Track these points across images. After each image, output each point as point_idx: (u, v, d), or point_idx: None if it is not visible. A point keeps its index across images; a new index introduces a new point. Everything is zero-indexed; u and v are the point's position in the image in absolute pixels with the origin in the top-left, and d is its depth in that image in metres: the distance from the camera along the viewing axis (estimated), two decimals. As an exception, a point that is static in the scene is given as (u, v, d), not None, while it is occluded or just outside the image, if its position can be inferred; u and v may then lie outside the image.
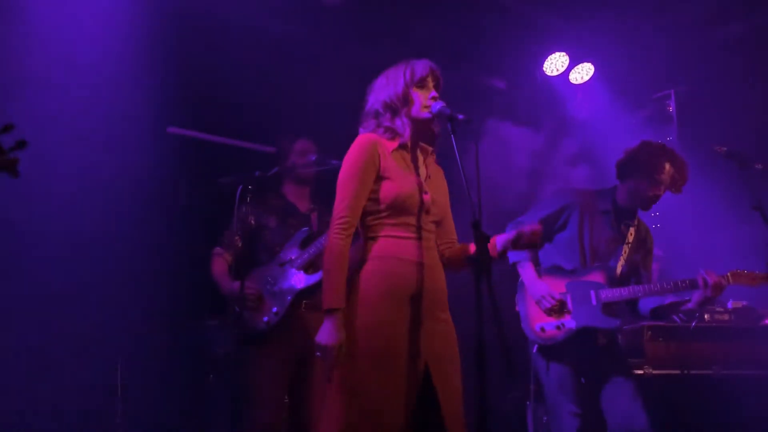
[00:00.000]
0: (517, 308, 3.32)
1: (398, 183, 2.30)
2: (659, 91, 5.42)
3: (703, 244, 3.47)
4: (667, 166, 3.21)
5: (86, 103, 3.91)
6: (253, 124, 4.01)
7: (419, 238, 2.30)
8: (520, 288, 3.31)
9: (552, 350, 3.17)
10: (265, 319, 3.20)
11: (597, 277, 3.23)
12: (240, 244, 3.31)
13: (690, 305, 3.12)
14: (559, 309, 3.16)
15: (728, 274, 3.04)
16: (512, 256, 3.27)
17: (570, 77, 5.38)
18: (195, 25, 4.09)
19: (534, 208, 3.41)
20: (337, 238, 2.26)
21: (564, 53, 5.28)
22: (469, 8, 4.71)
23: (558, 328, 3.15)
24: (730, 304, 4.20)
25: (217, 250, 3.40)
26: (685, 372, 3.76)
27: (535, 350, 3.22)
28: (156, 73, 4.02)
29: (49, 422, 3.70)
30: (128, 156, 4.01)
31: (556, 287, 3.21)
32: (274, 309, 3.21)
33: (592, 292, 3.19)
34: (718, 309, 4.14)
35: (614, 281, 3.22)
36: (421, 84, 2.37)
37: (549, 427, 4.46)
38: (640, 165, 3.25)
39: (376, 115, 2.41)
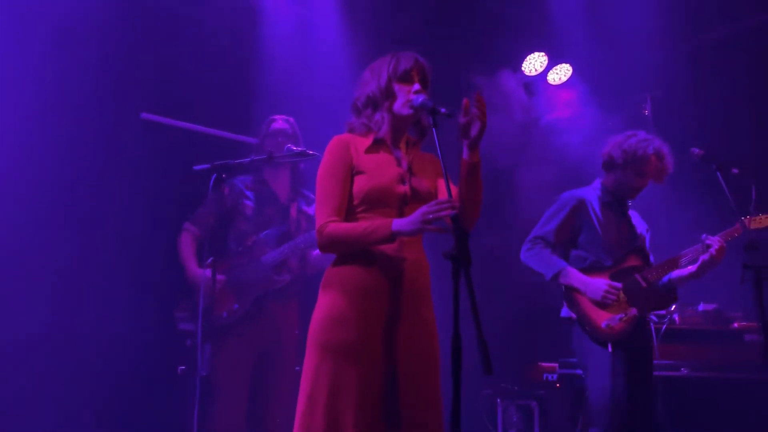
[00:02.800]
0: (569, 315, 3.30)
1: (372, 177, 2.26)
2: (636, 94, 5.47)
3: (675, 246, 3.52)
4: (653, 157, 3.28)
5: (57, 87, 3.80)
6: (232, 113, 3.95)
7: (403, 239, 2.24)
8: (566, 296, 3.28)
9: (621, 343, 3.16)
10: (224, 314, 3.15)
11: (634, 261, 3.30)
12: (212, 223, 3.23)
13: (687, 270, 3.25)
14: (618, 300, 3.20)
15: (744, 219, 3.14)
16: (548, 270, 3.27)
17: (548, 78, 5.40)
18: (173, 12, 4.01)
19: (544, 219, 3.41)
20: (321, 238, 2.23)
21: (543, 53, 5.30)
22: (449, 5, 4.71)
23: (622, 320, 3.17)
24: (701, 307, 4.26)
25: (187, 225, 3.33)
26: (656, 374, 3.79)
27: (610, 349, 3.17)
28: (131, 58, 3.93)
29: (13, 418, 3.59)
30: (100, 141, 3.91)
31: (585, 276, 3.25)
32: (235, 306, 3.16)
33: (638, 276, 3.25)
34: (688, 312, 4.20)
35: (649, 261, 3.33)
36: (404, 77, 2.33)
37: (518, 425, 4.48)
38: (627, 157, 3.30)
39: (358, 110, 2.38)
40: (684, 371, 3.91)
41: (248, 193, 3.32)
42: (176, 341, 3.81)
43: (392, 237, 2.16)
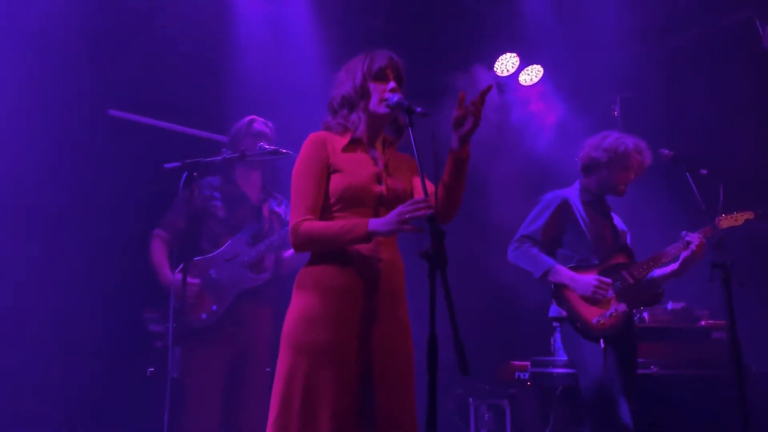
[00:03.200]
0: (558, 314, 3.34)
1: (348, 175, 2.24)
2: (605, 95, 5.53)
3: (644, 246, 3.58)
4: (634, 152, 3.40)
5: (23, 83, 3.71)
6: (202, 111, 3.89)
7: (378, 239, 2.22)
8: (555, 295, 3.31)
9: (612, 338, 3.22)
10: (203, 316, 3.10)
11: (620, 258, 3.39)
12: (182, 226, 3.17)
13: (670, 268, 3.35)
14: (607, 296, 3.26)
15: (716, 220, 3.25)
16: (537, 268, 3.30)
17: (520, 78, 5.44)
18: (143, 8, 3.94)
19: (529, 219, 3.45)
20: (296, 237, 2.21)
21: (515, 54, 5.34)
22: (423, 5, 4.71)
23: (612, 315, 3.23)
24: (670, 306, 4.33)
25: (157, 231, 3.27)
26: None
27: (602, 345, 3.22)
28: (99, 53, 3.85)
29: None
30: (67, 139, 3.83)
31: (573, 272, 3.30)
32: (214, 307, 3.11)
33: (625, 272, 3.31)
34: (657, 311, 4.27)
35: (634, 258, 3.41)
36: (379, 76, 2.31)
37: (489, 424, 4.50)
38: (611, 155, 3.39)
39: (334, 110, 2.36)
40: (654, 369, 3.97)
41: (216, 194, 3.27)
42: (147, 343, 3.75)
43: (368, 237, 2.14)
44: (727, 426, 3.42)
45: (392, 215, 2.11)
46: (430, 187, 2.22)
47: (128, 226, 3.77)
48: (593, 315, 3.23)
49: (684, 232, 3.30)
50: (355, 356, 2.14)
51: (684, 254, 3.27)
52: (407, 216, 2.08)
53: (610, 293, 3.27)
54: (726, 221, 3.18)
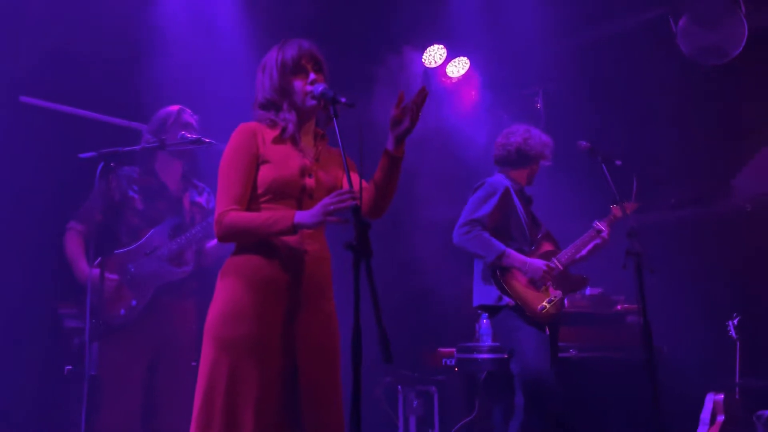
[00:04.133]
0: (497, 303, 3.38)
1: (277, 167, 2.21)
2: (529, 88, 5.66)
3: (561, 233, 3.72)
4: (549, 143, 3.59)
5: None
6: (119, 99, 3.75)
7: (305, 232, 2.20)
8: (500, 283, 3.34)
9: (549, 325, 3.35)
10: (122, 312, 3.00)
11: (548, 246, 3.53)
12: (99, 218, 3.04)
13: (583, 252, 3.50)
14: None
15: (614, 206, 3.48)
16: (489, 253, 3.32)
17: (447, 70, 5.49)
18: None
19: (474, 204, 3.47)
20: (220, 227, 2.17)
21: (442, 46, 5.38)
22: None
23: (551, 302, 3.33)
24: (588, 292, 4.49)
25: (72, 224, 3.13)
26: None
27: (547, 332, 3.32)
28: (8, 36, 3.65)
29: None
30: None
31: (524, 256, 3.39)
32: (133, 302, 3.02)
33: (555, 260, 3.44)
34: (576, 296, 4.42)
35: (558, 245, 3.55)
36: (296, 69, 2.28)
37: (418, 411, 4.57)
38: (537, 150, 3.55)
39: (261, 110, 2.32)
40: (573, 352, 4.12)
41: (135, 186, 3.16)
42: (63, 340, 3.61)
43: (294, 229, 2.13)
44: (641, 405, 3.59)
45: (317, 207, 2.11)
46: (356, 178, 2.23)
47: (42, 219, 3.61)
48: (538, 303, 3.32)
49: (595, 221, 3.49)
50: (280, 350, 2.12)
51: (596, 242, 3.46)
52: (332, 208, 2.08)
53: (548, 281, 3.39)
54: (623, 209, 3.35)
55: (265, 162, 2.22)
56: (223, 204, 2.18)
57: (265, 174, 2.21)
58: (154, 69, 3.92)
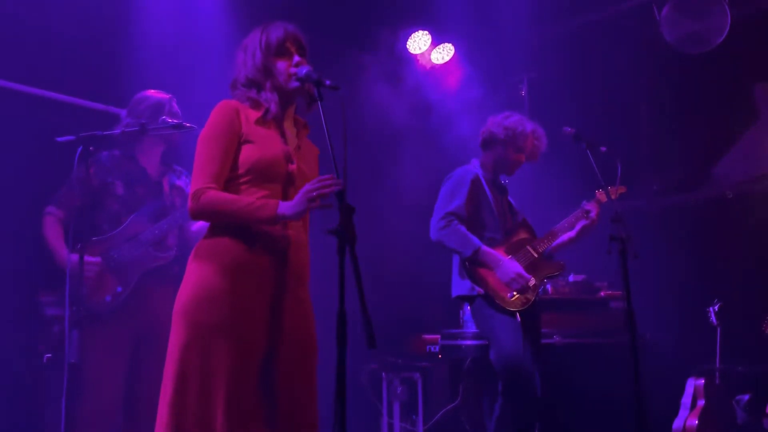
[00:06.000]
0: (469, 292, 3.37)
1: (261, 148, 2.17)
2: (513, 75, 5.66)
3: (545, 219, 3.72)
4: (531, 135, 3.52)
5: None
6: (96, 83, 3.68)
7: None
8: (471, 274, 3.33)
9: (524, 312, 3.32)
10: (108, 298, 2.96)
11: (523, 234, 3.53)
12: (78, 204, 2.97)
13: (572, 234, 3.49)
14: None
15: (599, 191, 3.49)
16: (466, 248, 3.30)
17: (431, 56, 5.47)
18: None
19: (446, 196, 3.45)
20: (197, 204, 2.11)
21: (426, 32, 5.35)
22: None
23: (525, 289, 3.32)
24: (571, 278, 4.52)
25: (50, 208, 3.06)
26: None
27: (519, 319, 3.30)
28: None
29: None
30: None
31: (499, 255, 3.37)
32: (119, 288, 2.97)
33: (529, 247, 3.45)
34: (559, 282, 4.44)
35: (534, 233, 3.56)
36: (280, 51, 2.24)
37: (402, 397, 4.58)
38: (508, 133, 3.49)
39: (241, 89, 2.27)
40: (556, 338, 4.15)
41: (116, 170, 3.10)
42: (43, 328, 3.56)
43: (275, 220, 2.10)
44: (623, 389, 3.62)
45: (299, 195, 2.08)
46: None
47: (19, 205, 3.54)
48: (508, 291, 3.32)
49: (584, 202, 3.50)
50: (256, 336, 2.08)
51: (583, 222, 3.45)
52: (315, 194, 2.05)
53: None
54: (608, 194, 3.34)
55: (247, 142, 2.17)
56: (200, 180, 2.12)
57: (248, 154, 2.16)
58: (132, 52, 3.85)
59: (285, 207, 2.08)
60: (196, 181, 2.13)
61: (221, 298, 2.09)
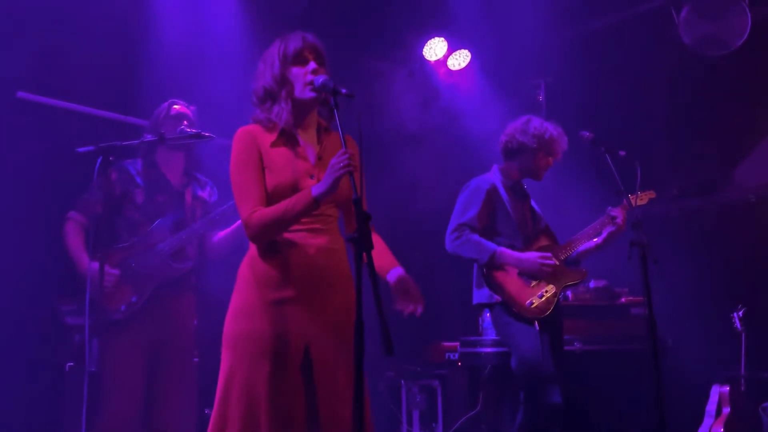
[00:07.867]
0: (489, 300, 3.35)
1: (277, 174, 2.21)
2: (530, 80, 5.63)
3: (563, 225, 3.69)
4: (559, 137, 3.49)
5: None
6: (117, 95, 3.73)
7: (311, 227, 2.22)
8: (489, 281, 3.31)
9: (544, 320, 3.28)
10: (123, 308, 2.99)
11: (544, 241, 3.49)
12: (99, 211, 3.01)
13: (599, 240, 3.44)
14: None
15: (630, 197, 3.32)
16: (482, 254, 3.29)
17: (448, 63, 5.47)
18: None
19: (461, 207, 3.44)
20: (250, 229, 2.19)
21: (443, 38, 5.35)
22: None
23: (543, 297, 3.28)
24: (592, 284, 4.47)
25: (72, 214, 3.11)
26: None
27: (537, 327, 3.25)
28: (6, 33, 3.63)
29: None
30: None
31: (516, 252, 3.33)
32: (133, 298, 3.00)
33: (551, 254, 3.38)
34: (579, 289, 4.40)
35: (556, 240, 3.51)
36: (297, 60, 2.26)
37: (421, 405, 4.56)
38: (538, 140, 3.44)
39: (258, 104, 2.30)
40: (577, 345, 4.10)
41: (138, 179, 3.13)
42: (64, 337, 3.59)
43: (315, 202, 2.13)
44: (646, 397, 3.57)
45: (326, 172, 2.11)
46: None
47: (41, 215, 3.59)
48: (526, 298, 3.29)
49: (609, 207, 3.42)
50: (295, 347, 2.14)
51: (609, 229, 3.39)
52: (341, 165, 2.06)
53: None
54: (637, 200, 3.30)
55: (267, 168, 2.23)
56: (245, 209, 2.19)
57: (268, 182, 2.22)
58: (152, 65, 3.89)
59: (317, 188, 2.12)
60: (243, 211, 2.20)
61: (257, 313, 2.17)
